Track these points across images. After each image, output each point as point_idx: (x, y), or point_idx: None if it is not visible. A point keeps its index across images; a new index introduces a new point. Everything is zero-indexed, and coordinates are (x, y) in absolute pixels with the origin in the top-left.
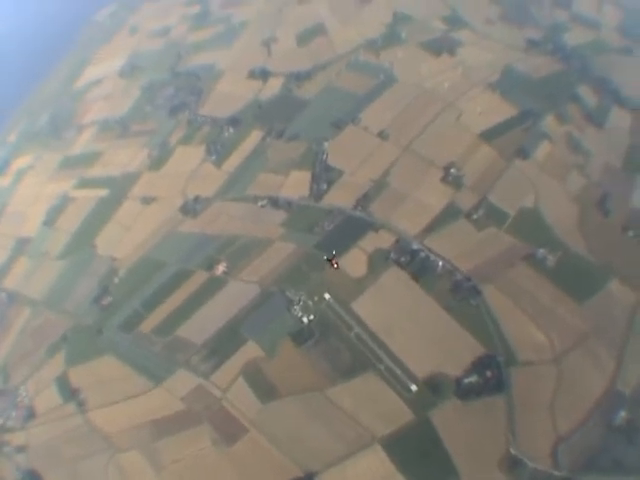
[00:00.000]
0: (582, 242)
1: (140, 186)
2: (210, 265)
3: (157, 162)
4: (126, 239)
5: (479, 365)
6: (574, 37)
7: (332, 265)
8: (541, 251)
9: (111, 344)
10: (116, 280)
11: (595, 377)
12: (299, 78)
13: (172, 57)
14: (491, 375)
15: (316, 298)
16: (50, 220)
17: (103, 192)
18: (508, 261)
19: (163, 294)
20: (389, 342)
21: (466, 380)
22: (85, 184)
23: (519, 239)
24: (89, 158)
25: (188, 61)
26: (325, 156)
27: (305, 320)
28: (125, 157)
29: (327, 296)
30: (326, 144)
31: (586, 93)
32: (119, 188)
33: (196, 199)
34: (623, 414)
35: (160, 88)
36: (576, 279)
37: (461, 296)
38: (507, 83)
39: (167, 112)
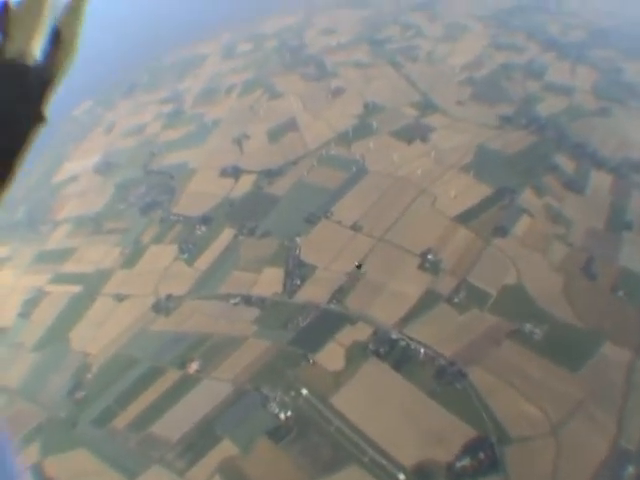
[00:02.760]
0: (569, 310)
1: (113, 283)
2: (183, 363)
3: (130, 260)
4: (99, 335)
5: (471, 448)
6: (548, 107)
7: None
8: (527, 326)
9: (85, 438)
10: (89, 375)
11: (597, 440)
12: (270, 175)
13: (146, 155)
14: (484, 456)
15: (293, 394)
16: (26, 312)
17: (77, 288)
18: (493, 340)
19: (136, 391)
20: (372, 433)
21: (458, 464)
22: (59, 279)
23: (503, 317)
24: (63, 254)
25: (161, 159)
26: (298, 252)
27: (282, 416)
28: (98, 254)
29: (304, 392)
30: (298, 240)
31: (563, 161)
32: (92, 285)
33: (168, 297)
34: (631, 469)
35: (133, 186)
36: (566, 348)
37: (446, 381)
38: (481, 163)
39: (140, 210)
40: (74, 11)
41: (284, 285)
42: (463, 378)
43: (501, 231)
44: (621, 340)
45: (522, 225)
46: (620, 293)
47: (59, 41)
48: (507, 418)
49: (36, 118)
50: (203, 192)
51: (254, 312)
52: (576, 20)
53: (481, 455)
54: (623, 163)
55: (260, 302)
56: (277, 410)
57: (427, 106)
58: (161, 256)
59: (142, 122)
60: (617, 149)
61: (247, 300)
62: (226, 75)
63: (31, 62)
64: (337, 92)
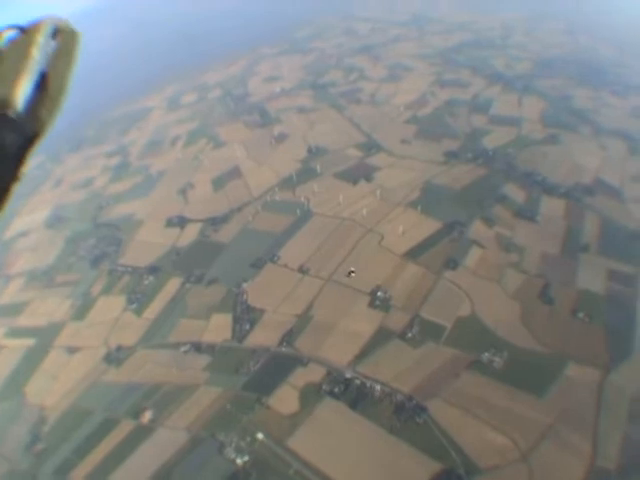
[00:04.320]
0: (528, 336)
1: (65, 336)
2: (136, 413)
3: (80, 312)
4: (54, 388)
5: None
6: (494, 139)
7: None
8: (486, 355)
9: None
10: (46, 428)
11: (572, 462)
12: (215, 223)
13: (94, 208)
14: None
15: (249, 439)
16: None
17: (30, 342)
18: (451, 373)
19: (93, 442)
20: (333, 474)
21: None
22: (13, 333)
23: (460, 349)
24: (17, 308)
25: (109, 212)
26: (245, 297)
27: (239, 462)
28: (50, 307)
29: (260, 436)
30: (245, 285)
31: (513, 191)
32: (45, 338)
33: (119, 348)
34: None
35: (83, 239)
36: (529, 374)
37: (405, 416)
38: (428, 199)
39: (89, 263)
40: (64, 55)
41: (233, 330)
42: (423, 412)
43: (452, 264)
44: (586, 360)
45: (473, 256)
46: (580, 314)
47: (45, 88)
48: (473, 449)
49: (12, 178)
50: (150, 242)
51: (205, 359)
52: (522, 53)
53: None
54: (575, 188)
55: (210, 349)
56: (234, 455)
57: (371, 146)
58: (110, 307)
59: (90, 176)
60: (568, 174)
61: (197, 347)
62: (171, 126)
63: (13, 113)
64: (280, 138)
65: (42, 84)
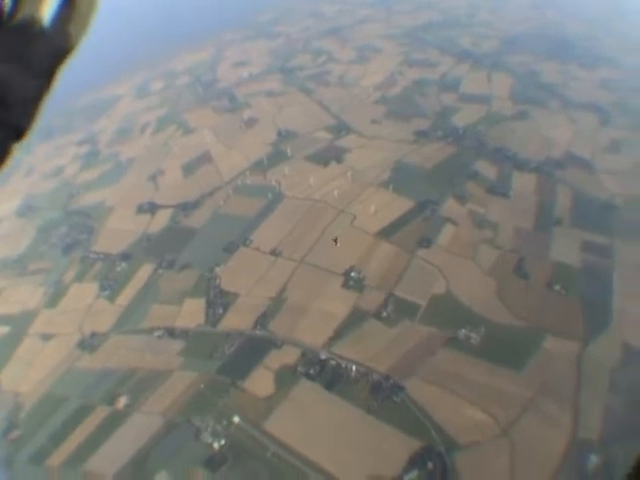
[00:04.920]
0: (505, 311)
1: (39, 323)
2: (111, 399)
3: (53, 300)
4: (29, 375)
5: (417, 460)
6: (464, 117)
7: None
8: (462, 332)
9: (23, 477)
10: (22, 414)
11: (553, 435)
12: (187, 208)
13: (65, 196)
14: (434, 466)
15: (225, 423)
16: None
17: (4, 329)
18: (427, 350)
19: (68, 429)
20: (312, 456)
21: (406, 477)
22: None
23: (436, 326)
24: None
25: (80, 200)
26: (218, 281)
27: (216, 446)
28: (23, 295)
29: (236, 419)
30: (218, 269)
31: (484, 168)
32: (19, 325)
33: (93, 335)
34: (594, 459)
35: (54, 227)
36: (506, 349)
37: (382, 396)
38: (399, 178)
39: (61, 250)
40: None
41: (207, 315)
42: (400, 391)
43: (425, 242)
44: (564, 333)
45: (446, 234)
46: (557, 287)
47: (74, 4)
48: (453, 425)
49: (43, 92)
50: (121, 229)
51: (179, 344)
52: (489, 30)
53: (430, 465)
54: (546, 162)
55: (184, 334)
56: (210, 440)
57: (341, 128)
58: (83, 294)
59: (60, 164)
60: (538, 149)
61: (171, 332)
62: (140, 114)
63: (39, 29)
64: (250, 122)
65: (70, 0)
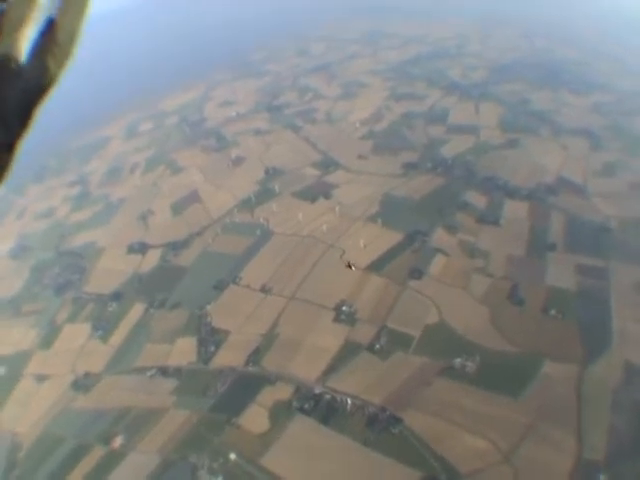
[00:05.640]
0: (500, 338)
1: (33, 365)
2: (107, 439)
3: (46, 341)
4: (26, 415)
5: None
6: (453, 148)
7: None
8: (458, 361)
9: None
10: (21, 454)
11: (557, 458)
12: (176, 247)
13: (57, 237)
14: None
15: (221, 460)
16: None
17: (0, 370)
18: (423, 381)
19: (65, 470)
20: None
21: None
22: None
23: (430, 357)
24: None
25: (71, 240)
26: (209, 319)
27: None
28: (17, 336)
29: (232, 456)
30: (209, 307)
31: (474, 197)
32: (14, 366)
33: (86, 375)
34: (603, 478)
35: (47, 268)
36: (503, 376)
37: (379, 428)
38: (388, 211)
39: (54, 291)
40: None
41: (198, 353)
42: (398, 423)
43: (416, 273)
44: (563, 357)
45: (437, 264)
46: (553, 312)
47: (54, 37)
48: (453, 455)
49: (19, 132)
50: (112, 269)
51: (172, 382)
52: (478, 61)
53: None
54: (537, 189)
55: (177, 372)
56: (208, 477)
57: (328, 164)
58: (76, 335)
59: (52, 205)
60: (530, 176)
61: (163, 371)
62: (129, 154)
63: (16, 65)
64: (237, 161)
65: (50, 32)
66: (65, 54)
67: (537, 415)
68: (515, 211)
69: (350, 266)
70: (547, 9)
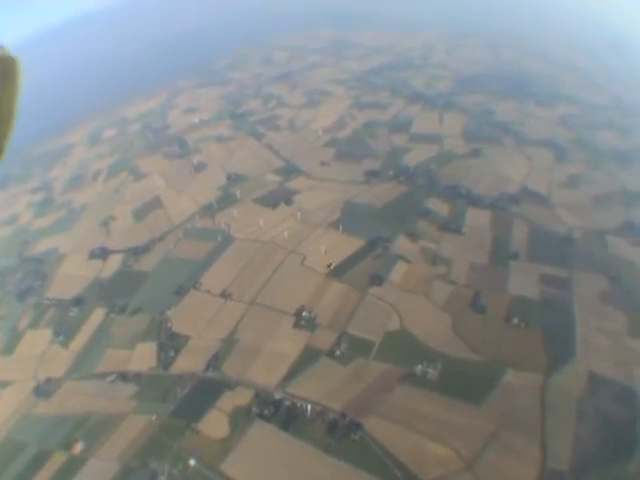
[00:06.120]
0: (462, 346)
1: None
2: (68, 445)
3: (8, 347)
4: None
5: None
6: (416, 156)
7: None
8: (419, 367)
9: None
10: None
11: (520, 467)
12: (137, 252)
13: (19, 243)
14: None
15: (181, 466)
16: None
17: None
18: (384, 387)
19: (27, 475)
20: None
21: None
22: None
23: (391, 363)
24: None
25: (34, 246)
26: (169, 324)
27: None
28: None
29: (192, 462)
30: (169, 312)
31: (436, 205)
32: None
33: (48, 381)
34: None
35: (9, 274)
36: (465, 383)
37: (340, 434)
38: (349, 218)
39: (16, 297)
40: (6, 81)
41: (158, 358)
42: (358, 429)
43: (377, 280)
44: (526, 365)
45: (399, 271)
46: (515, 320)
47: None
48: (414, 462)
49: None
50: (73, 275)
51: (132, 388)
52: (443, 71)
53: None
54: (501, 198)
55: (136, 378)
56: None
57: (290, 171)
58: (37, 340)
59: (15, 212)
60: (493, 186)
61: (123, 377)
62: (93, 161)
63: None
64: (200, 167)
65: None
66: (3, 130)
67: (500, 423)
68: (478, 219)
69: (330, 265)
70: (515, 22)
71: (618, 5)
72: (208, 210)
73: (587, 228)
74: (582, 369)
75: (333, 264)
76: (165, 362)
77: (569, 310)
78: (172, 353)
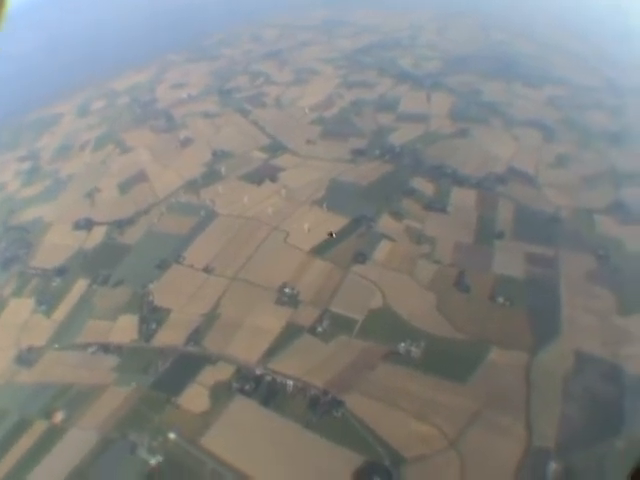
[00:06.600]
0: (446, 324)
1: None
2: (48, 414)
3: None
4: None
5: (362, 474)
6: (402, 135)
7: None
8: (402, 345)
9: None
10: None
11: (506, 445)
12: (121, 225)
13: (5, 212)
14: None
15: (161, 439)
16: None
17: None
18: (366, 364)
19: (9, 442)
20: (251, 472)
21: None
22: None
23: (374, 341)
24: None
25: (20, 215)
26: (151, 297)
27: (153, 462)
28: None
29: (172, 435)
30: (151, 286)
31: (421, 184)
32: None
33: (30, 349)
34: (554, 465)
35: None
36: (449, 361)
37: (321, 411)
38: (334, 196)
39: (0, 265)
40: None
41: (140, 331)
42: (340, 406)
43: (361, 258)
44: (510, 344)
45: (383, 250)
46: (500, 299)
47: None
48: (397, 440)
49: None
50: (58, 245)
51: (113, 359)
52: (431, 52)
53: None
54: (487, 178)
55: (118, 349)
56: (146, 456)
57: (276, 148)
58: (20, 309)
59: (3, 180)
60: (479, 166)
61: (105, 348)
62: (81, 132)
63: None
64: (186, 142)
65: None
66: None
67: (484, 402)
68: (463, 199)
69: (332, 234)
70: (507, 2)
71: None
72: (193, 185)
73: (575, 207)
74: (568, 348)
75: (333, 233)
76: (146, 335)
77: (555, 289)
78: (153, 326)
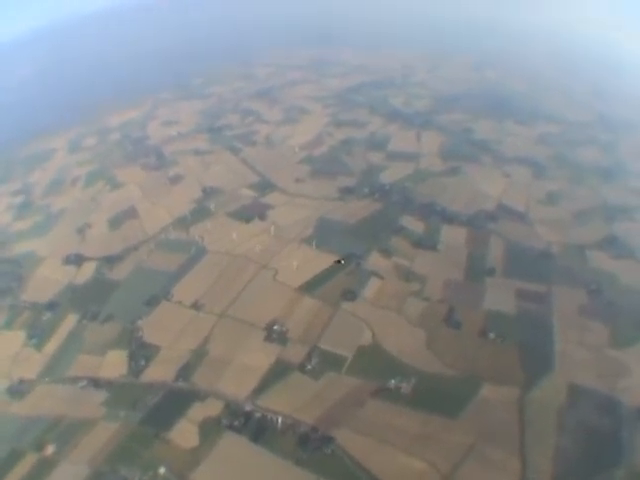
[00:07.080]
0: (436, 361)
1: None
2: (39, 446)
3: None
4: None
5: None
6: (392, 174)
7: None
8: (392, 382)
9: None
10: None
11: (500, 479)
12: (111, 261)
13: None
14: None
15: (151, 473)
16: None
17: None
18: (356, 401)
19: (1, 474)
20: None
21: None
22: None
23: (364, 378)
24: None
25: (12, 248)
26: (140, 334)
27: None
28: None
29: (162, 470)
30: (140, 322)
31: (410, 222)
32: None
33: (21, 381)
34: None
35: None
36: (440, 398)
37: (312, 447)
38: (323, 234)
39: None
40: None
41: (129, 366)
42: (330, 442)
43: (350, 295)
44: (502, 379)
45: (372, 287)
46: (491, 335)
47: None
48: (390, 476)
49: None
50: (48, 279)
51: (102, 394)
52: (423, 90)
53: None
54: (477, 215)
55: (107, 384)
56: None
57: (265, 186)
58: (12, 341)
59: None
60: (469, 203)
61: (95, 383)
62: (72, 167)
63: None
64: (176, 179)
65: None
66: None
67: (477, 436)
68: (453, 236)
69: (340, 261)
70: (501, 42)
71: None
72: (182, 222)
73: (566, 243)
74: (561, 381)
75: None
76: (136, 370)
77: (547, 324)
78: (143, 362)
